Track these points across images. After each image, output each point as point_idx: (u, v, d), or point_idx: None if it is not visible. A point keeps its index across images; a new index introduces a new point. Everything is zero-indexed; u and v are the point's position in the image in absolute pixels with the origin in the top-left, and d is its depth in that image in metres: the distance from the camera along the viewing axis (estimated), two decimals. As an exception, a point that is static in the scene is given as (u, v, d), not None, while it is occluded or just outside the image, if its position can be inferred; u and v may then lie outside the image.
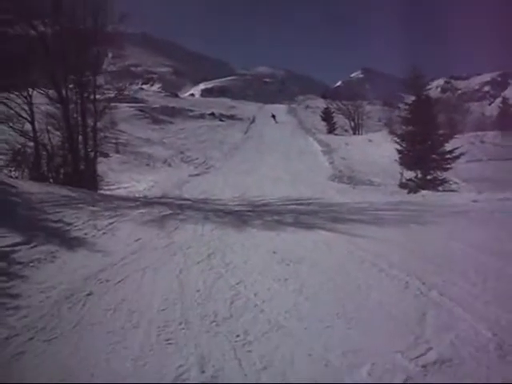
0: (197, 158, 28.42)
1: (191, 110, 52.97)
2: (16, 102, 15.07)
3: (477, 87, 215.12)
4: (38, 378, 3.20)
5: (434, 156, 19.13)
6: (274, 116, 49.43)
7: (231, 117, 53.06)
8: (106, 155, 23.90)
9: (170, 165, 26.77)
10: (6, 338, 3.71)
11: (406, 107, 21.97)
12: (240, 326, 3.83)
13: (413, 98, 21.55)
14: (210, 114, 52.35)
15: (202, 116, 50.84)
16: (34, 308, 4.36)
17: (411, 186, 17.24)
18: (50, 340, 3.70)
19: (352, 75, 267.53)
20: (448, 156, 19.08)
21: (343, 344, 3.42)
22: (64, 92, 15.60)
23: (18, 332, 3.82)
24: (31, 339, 3.71)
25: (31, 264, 5.71)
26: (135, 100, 43.48)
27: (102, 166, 19.63)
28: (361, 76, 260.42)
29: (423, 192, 15.22)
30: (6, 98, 14.85)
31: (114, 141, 27.55)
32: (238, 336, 3.63)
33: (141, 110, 44.48)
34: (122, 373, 3.18)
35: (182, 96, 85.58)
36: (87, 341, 3.68)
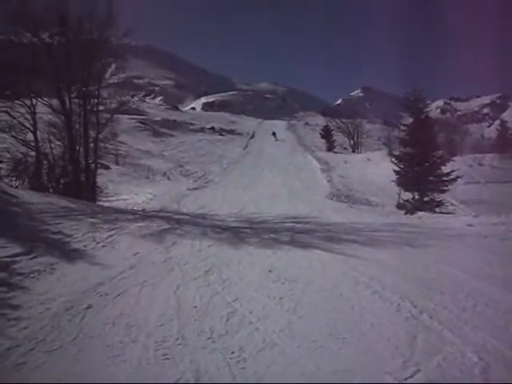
0: (196, 172, 28.57)
1: (192, 124, 53.37)
2: (19, 112, 15.24)
3: (476, 109, 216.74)
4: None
5: (431, 178, 19.32)
6: (274, 133, 49.33)
7: (231, 131, 53.43)
8: (107, 167, 24.05)
9: (169, 178, 26.90)
10: (7, 348, 3.80)
11: (405, 128, 22.19)
12: (235, 342, 3.93)
13: (411, 118, 21.79)
14: (210, 128, 52.70)
15: (202, 130, 51.22)
16: (34, 319, 4.44)
17: (408, 207, 17.38)
18: (50, 351, 3.78)
19: (352, 94, 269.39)
20: (445, 178, 19.28)
21: (334, 364, 3.53)
22: (67, 103, 15.77)
23: (19, 343, 3.91)
24: (32, 350, 3.80)
25: (31, 275, 5.80)
26: (137, 112, 43.74)
27: (102, 178, 19.76)
28: (361, 95, 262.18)
29: (420, 213, 15.31)
30: (10, 108, 15.02)
31: (114, 152, 27.74)
32: (233, 353, 3.73)
33: (142, 123, 44.79)
34: (120, 385, 3.29)
35: (182, 109, 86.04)
36: (86, 353, 3.77)
